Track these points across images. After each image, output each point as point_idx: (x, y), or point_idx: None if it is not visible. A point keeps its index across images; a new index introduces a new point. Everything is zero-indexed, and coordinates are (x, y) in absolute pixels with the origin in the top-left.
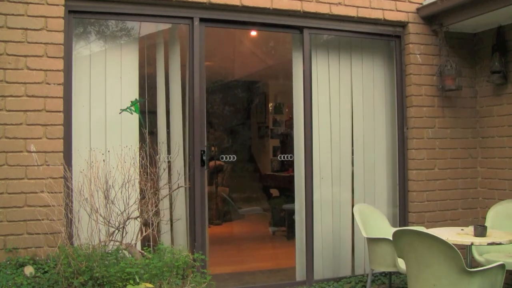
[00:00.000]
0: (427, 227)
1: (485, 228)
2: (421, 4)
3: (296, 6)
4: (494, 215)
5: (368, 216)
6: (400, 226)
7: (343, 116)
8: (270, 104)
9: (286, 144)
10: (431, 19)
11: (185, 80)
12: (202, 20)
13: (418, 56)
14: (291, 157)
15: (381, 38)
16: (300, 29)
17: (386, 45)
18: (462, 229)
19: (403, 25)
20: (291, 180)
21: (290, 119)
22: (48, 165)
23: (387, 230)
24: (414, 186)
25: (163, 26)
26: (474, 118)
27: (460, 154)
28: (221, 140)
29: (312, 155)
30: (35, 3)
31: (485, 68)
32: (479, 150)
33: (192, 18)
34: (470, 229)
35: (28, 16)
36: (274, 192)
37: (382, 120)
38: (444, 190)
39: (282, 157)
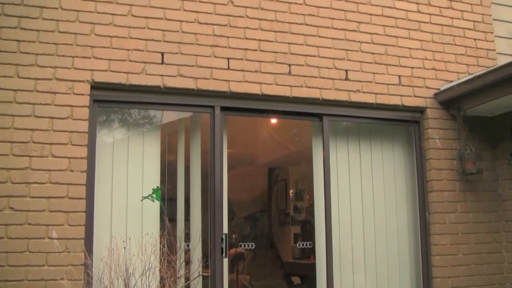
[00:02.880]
0: None
1: None
2: (439, 89)
3: (315, 94)
4: None
5: None
6: None
7: (364, 203)
8: (291, 191)
9: (307, 231)
10: (449, 104)
11: (206, 167)
12: (223, 108)
13: (437, 140)
14: (312, 244)
15: (400, 124)
16: (320, 116)
17: (405, 130)
18: None
19: (421, 110)
20: (312, 267)
21: (311, 205)
22: (69, 252)
23: None
24: (438, 272)
25: (185, 114)
26: (497, 202)
27: (484, 238)
28: (241, 227)
29: (333, 242)
30: (62, 93)
31: (505, 151)
32: (504, 234)
33: (213, 107)
34: None
35: (55, 105)
36: (296, 280)
37: (404, 206)
38: (469, 276)
39: (303, 244)
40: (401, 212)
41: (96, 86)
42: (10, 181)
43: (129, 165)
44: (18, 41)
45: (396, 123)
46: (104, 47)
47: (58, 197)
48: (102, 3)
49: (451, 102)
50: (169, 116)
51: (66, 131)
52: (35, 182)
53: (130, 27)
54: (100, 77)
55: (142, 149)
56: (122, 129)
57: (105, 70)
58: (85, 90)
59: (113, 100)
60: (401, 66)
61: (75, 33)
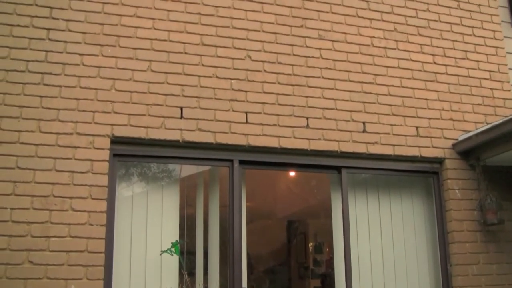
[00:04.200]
0: None
1: None
2: (457, 139)
3: (333, 146)
4: None
5: None
6: None
7: (384, 255)
8: (310, 244)
9: (327, 284)
10: (467, 154)
11: (224, 220)
12: (241, 162)
13: (457, 191)
14: None
15: (419, 175)
16: (338, 169)
17: (424, 182)
18: None
19: (440, 161)
20: None
21: (331, 258)
22: None
23: None
24: None
25: (204, 167)
26: None
27: None
28: (261, 281)
29: None
30: (83, 147)
31: None
32: None
33: (232, 161)
34: None
35: (76, 159)
36: None
37: (425, 258)
38: None
39: None
40: (422, 265)
41: (116, 141)
42: (30, 235)
43: (148, 219)
44: (41, 96)
45: (415, 175)
46: (124, 102)
47: (78, 251)
48: (123, 59)
49: (470, 152)
50: (188, 169)
51: (86, 185)
52: (54, 236)
53: (149, 82)
54: (120, 132)
55: (161, 202)
56: (141, 182)
57: (125, 125)
58: (105, 145)
59: (133, 154)
60: (418, 117)
61: (96, 89)
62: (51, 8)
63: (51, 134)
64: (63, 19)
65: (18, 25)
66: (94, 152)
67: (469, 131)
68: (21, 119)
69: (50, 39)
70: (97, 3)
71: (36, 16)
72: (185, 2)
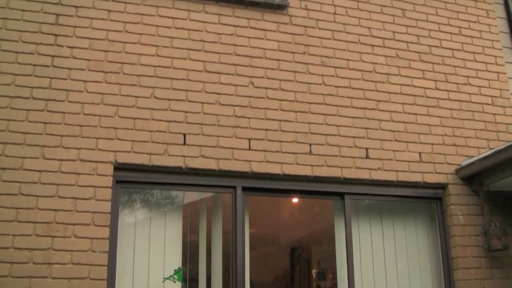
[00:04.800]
0: None
1: None
2: (460, 165)
3: (336, 173)
4: None
5: None
6: None
7: (388, 281)
8: (314, 270)
9: None
10: (470, 179)
11: (227, 247)
12: (244, 188)
13: (460, 217)
14: None
15: (422, 201)
16: (341, 195)
17: (428, 207)
18: None
19: (443, 187)
20: None
21: (334, 285)
22: None
23: None
24: None
25: (206, 194)
26: None
27: None
28: None
29: None
30: (86, 174)
31: None
32: None
33: (235, 187)
34: None
35: (79, 186)
36: None
37: (429, 284)
38: None
39: None
40: None
41: (119, 167)
42: (32, 261)
43: (151, 246)
44: (45, 123)
45: (418, 200)
46: (127, 128)
47: (80, 278)
48: (126, 85)
49: (473, 177)
50: (191, 196)
51: (89, 211)
52: (57, 263)
53: (153, 108)
54: (123, 158)
55: (164, 229)
56: (144, 209)
57: (128, 151)
58: (108, 171)
59: (136, 180)
60: (421, 143)
61: (99, 115)
62: (56, 35)
63: (55, 161)
64: (68, 46)
65: (23, 52)
66: (97, 178)
67: (472, 156)
68: (25, 145)
69: (54, 66)
70: (102, 30)
71: (41, 43)
72: (189, 29)
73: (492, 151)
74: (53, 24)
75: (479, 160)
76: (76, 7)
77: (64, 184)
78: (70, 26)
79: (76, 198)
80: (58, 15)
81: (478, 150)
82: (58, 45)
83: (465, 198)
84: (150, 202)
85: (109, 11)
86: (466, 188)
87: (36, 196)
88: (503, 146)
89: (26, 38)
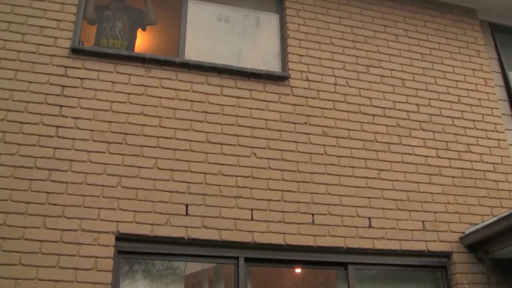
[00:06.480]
0: None
1: None
2: (464, 233)
3: (339, 243)
4: None
5: None
6: None
7: None
8: None
9: None
10: (475, 247)
11: None
12: (247, 259)
13: (466, 285)
14: None
15: (426, 270)
16: (344, 265)
17: (433, 276)
18: None
19: (447, 255)
20: None
21: None
22: None
23: None
24: None
25: (209, 264)
26: None
27: None
28: None
29: None
30: (87, 244)
31: None
32: None
33: (237, 258)
34: None
35: (80, 256)
36: None
37: None
38: None
39: None
40: None
41: (121, 237)
42: None
43: None
44: (48, 193)
45: (423, 269)
46: (130, 198)
47: None
48: (129, 156)
49: (478, 245)
50: (193, 266)
51: (89, 282)
52: None
53: (155, 179)
54: (125, 229)
55: None
56: (145, 280)
57: (130, 222)
58: (110, 241)
59: (138, 251)
60: (424, 211)
61: (102, 185)
62: (61, 106)
63: (56, 231)
64: (72, 117)
65: (28, 123)
66: (99, 249)
67: (476, 224)
68: (27, 215)
69: (58, 136)
70: (105, 101)
71: (46, 114)
72: (191, 101)
73: (495, 218)
74: (58, 95)
75: (483, 227)
76: (82, 78)
77: (65, 255)
78: (75, 97)
79: (77, 269)
80: (63, 86)
81: (481, 218)
82: (63, 116)
83: (471, 267)
84: (152, 272)
85: (114, 82)
86: (471, 256)
87: (36, 267)
88: (506, 213)
89: (31, 109)
